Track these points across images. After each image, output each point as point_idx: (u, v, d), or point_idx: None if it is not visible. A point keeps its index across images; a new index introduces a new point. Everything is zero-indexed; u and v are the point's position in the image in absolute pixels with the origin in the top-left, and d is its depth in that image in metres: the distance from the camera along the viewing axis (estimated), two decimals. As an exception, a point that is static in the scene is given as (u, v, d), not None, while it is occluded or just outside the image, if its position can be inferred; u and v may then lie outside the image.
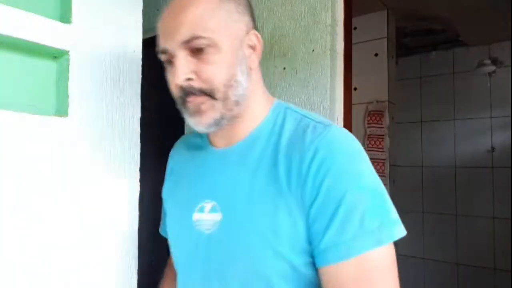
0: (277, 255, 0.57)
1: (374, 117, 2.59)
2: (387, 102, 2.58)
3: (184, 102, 0.62)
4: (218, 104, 0.61)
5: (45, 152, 0.71)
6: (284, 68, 1.57)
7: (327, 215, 0.54)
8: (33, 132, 0.69)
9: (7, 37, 0.66)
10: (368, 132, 2.59)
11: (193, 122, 0.62)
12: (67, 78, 0.75)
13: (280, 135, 0.63)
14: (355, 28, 2.41)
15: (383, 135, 2.56)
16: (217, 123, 0.62)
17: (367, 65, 2.60)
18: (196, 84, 0.60)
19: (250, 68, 0.65)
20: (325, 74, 1.46)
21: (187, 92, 0.60)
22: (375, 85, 2.60)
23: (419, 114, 3.43)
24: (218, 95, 0.60)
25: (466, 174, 3.19)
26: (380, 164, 2.55)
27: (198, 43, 0.58)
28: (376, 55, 2.61)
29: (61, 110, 0.75)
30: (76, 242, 0.74)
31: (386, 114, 2.57)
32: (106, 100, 0.81)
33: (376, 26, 2.60)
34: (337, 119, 1.47)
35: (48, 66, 0.76)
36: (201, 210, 0.65)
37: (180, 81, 0.59)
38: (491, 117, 3.12)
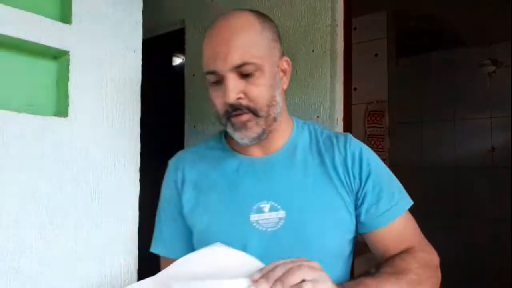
0: (336, 237, 0.73)
1: (374, 117, 2.59)
2: (387, 102, 2.58)
3: (229, 118, 0.70)
4: (261, 121, 0.71)
5: (45, 152, 0.71)
6: (284, 68, 1.57)
7: (376, 192, 0.74)
8: (33, 132, 0.69)
9: (7, 37, 0.66)
10: (368, 132, 2.59)
11: (239, 136, 0.71)
12: (67, 78, 0.75)
13: (316, 142, 0.79)
14: (355, 28, 2.41)
15: (383, 135, 2.56)
16: (259, 137, 0.72)
17: (367, 65, 2.60)
18: (244, 102, 0.69)
19: (282, 90, 0.76)
20: (325, 74, 1.46)
21: (234, 109, 0.68)
22: (375, 85, 2.60)
23: (419, 114, 3.43)
24: (262, 113, 0.70)
25: (466, 174, 3.19)
26: (380, 164, 2.55)
27: (247, 68, 0.67)
28: (376, 55, 2.61)
29: (61, 110, 0.75)
30: (75, 242, 0.74)
31: (386, 114, 2.57)
32: (106, 100, 0.81)
33: (376, 26, 2.60)
34: (337, 119, 1.47)
35: (48, 66, 0.76)
36: (260, 211, 0.72)
37: (231, 100, 0.67)
38: (491, 117, 3.12)
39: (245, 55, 0.67)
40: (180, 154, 0.85)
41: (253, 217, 0.71)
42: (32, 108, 0.73)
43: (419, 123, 3.43)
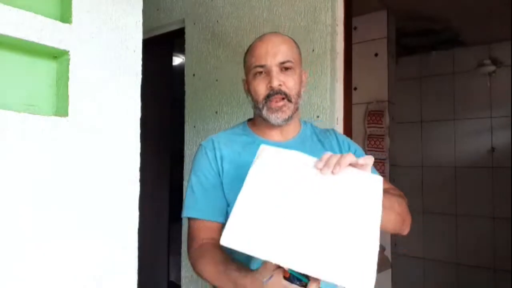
0: None
1: (374, 117, 2.59)
2: (387, 102, 2.58)
3: (267, 101, 0.94)
4: (291, 107, 0.96)
5: (45, 152, 0.71)
6: (284, 68, 1.57)
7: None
8: (33, 132, 0.69)
9: (7, 37, 0.66)
10: (368, 132, 2.59)
11: (275, 117, 0.95)
12: (67, 78, 0.75)
13: (316, 134, 1.07)
14: (355, 28, 2.41)
15: (383, 135, 2.56)
16: (288, 119, 0.96)
17: (367, 65, 2.60)
18: (283, 88, 0.94)
19: (301, 92, 1.01)
20: (325, 74, 1.46)
21: (275, 92, 0.93)
22: (375, 85, 2.60)
23: (419, 114, 3.43)
24: (293, 99, 0.96)
25: (466, 174, 3.19)
26: (380, 164, 2.55)
27: (288, 64, 0.95)
28: (376, 55, 2.61)
29: (61, 110, 0.75)
30: (75, 242, 0.74)
31: (386, 114, 2.57)
32: (106, 100, 0.82)
33: (376, 26, 2.60)
34: (337, 119, 1.47)
35: (48, 66, 0.76)
36: None
37: (275, 84, 0.93)
38: (491, 117, 3.12)
39: (287, 56, 0.95)
40: (213, 137, 1.03)
41: None
42: (32, 108, 0.73)
43: (419, 123, 3.43)
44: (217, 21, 1.80)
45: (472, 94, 3.19)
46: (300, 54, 1.02)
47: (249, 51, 1.01)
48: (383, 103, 2.59)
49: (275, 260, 0.66)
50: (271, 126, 0.99)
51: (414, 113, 3.42)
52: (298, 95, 0.98)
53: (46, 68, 0.73)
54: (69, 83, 0.72)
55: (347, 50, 1.51)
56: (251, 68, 0.97)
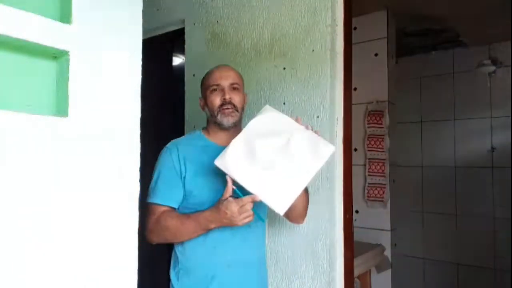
0: None
1: (374, 117, 2.59)
2: (387, 102, 2.58)
3: (221, 109, 1.26)
4: (238, 114, 1.29)
5: (45, 152, 0.71)
6: (284, 68, 1.57)
7: None
8: (33, 132, 0.69)
9: (7, 37, 0.66)
10: (368, 132, 2.59)
11: (226, 120, 1.26)
12: (67, 78, 0.75)
13: None
14: (355, 28, 2.41)
15: (383, 135, 2.56)
16: (236, 123, 1.28)
17: (367, 65, 2.60)
18: (233, 101, 1.27)
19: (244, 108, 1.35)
20: (325, 74, 1.46)
21: (227, 103, 1.25)
22: (375, 85, 2.60)
23: (419, 114, 3.43)
24: (239, 110, 1.29)
25: (466, 174, 3.19)
26: (380, 164, 2.55)
27: (236, 86, 1.29)
28: (376, 55, 2.61)
29: (61, 110, 0.75)
30: (75, 242, 0.74)
31: (386, 114, 2.56)
32: (106, 100, 0.81)
33: (376, 26, 2.60)
34: (337, 119, 1.47)
35: (48, 66, 0.76)
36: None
37: (227, 97, 1.25)
38: (491, 117, 3.12)
39: (235, 79, 1.30)
40: (176, 141, 1.32)
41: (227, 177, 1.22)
42: (31, 108, 0.73)
43: (419, 123, 3.43)
44: (217, 22, 1.80)
45: (472, 94, 3.19)
46: (243, 83, 1.35)
47: (207, 76, 1.33)
48: (383, 103, 2.58)
49: (238, 179, 1.11)
50: (223, 130, 1.29)
51: (414, 113, 3.42)
52: (242, 109, 1.31)
53: (46, 68, 0.73)
54: (69, 83, 0.72)
55: (347, 50, 1.51)
56: (209, 87, 1.29)
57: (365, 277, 2.28)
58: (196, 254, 1.25)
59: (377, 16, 2.59)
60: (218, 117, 1.26)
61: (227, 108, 1.25)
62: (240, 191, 1.13)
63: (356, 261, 1.91)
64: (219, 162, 1.13)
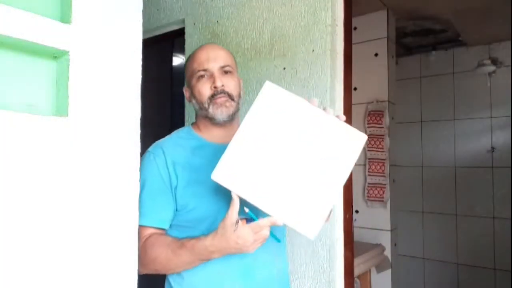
0: None
1: (374, 117, 2.59)
2: (387, 102, 2.58)
3: (212, 99, 1.01)
4: (234, 104, 1.03)
5: (45, 152, 0.71)
6: (284, 68, 1.57)
7: None
8: (33, 132, 0.69)
9: (7, 37, 0.66)
10: (368, 132, 2.59)
11: (219, 112, 1.01)
12: (67, 78, 0.75)
13: None
14: (355, 28, 2.41)
15: (383, 135, 2.56)
16: (232, 115, 1.03)
17: (367, 65, 2.60)
18: (226, 89, 1.02)
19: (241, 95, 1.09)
20: (325, 74, 1.46)
21: (219, 92, 1.00)
22: (375, 85, 2.60)
23: (419, 114, 3.43)
24: (235, 98, 1.04)
25: (466, 174, 3.19)
26: (380, 164, 2.55)
27: (228, 68, 1.04)
28: (376, 55, 2.61)
29: (61, 110, 0.75)
30: (75, 242, 0.74)
31: (386, 114, 2.56)
32: (106, 100, 0.82)
33: (376, 26, 2.60)
34: (337, 119, 1.47)
35: (48, 66, 0.76)
36: None
37: (219, 84, 1.00)
38: (491, 117, 3.12)
39: (226, 61, 1.05)
40: (160, 143, 1.05)
41: None
42: (31, 108, 0.73)
43: (419, 123, 3.43)
44: (217, 21, 1.80)
45: (472, 94, 3.19)
46: (236, 64, 1.11)
47: (190, 59, 1.08)
48: (383, 103, 2.59)
49: (249, 199, 0.80)
50: (216, 125, 1.04)
51: (414, 113, 3.42)
52: (239, 96, 1.05)
53: (46, 68, 0.72)
54: (69, 83, 0.72)
55: (347, 50, 1.51)
56: (194, 73, 1.04)
57: (365, 277, 2.28)
58: (196, 283, 0.98)
59: (377, 16, 2.59)
60: (210, 110, 1.01)
61: (220, 98, 1.00)
62: (250, 209, 0.85)
63: (356, 261, 1.91)
64: (217, 176, 0.82)
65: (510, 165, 2.96)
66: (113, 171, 0.80)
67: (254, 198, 0.80)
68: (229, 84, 1.02)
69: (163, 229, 0.98)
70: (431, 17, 2.67)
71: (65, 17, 0.75)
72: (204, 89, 1.02)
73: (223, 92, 1.01)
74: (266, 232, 0.83)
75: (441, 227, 3.27)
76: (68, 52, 0.73)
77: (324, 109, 0.85)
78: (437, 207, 3.30)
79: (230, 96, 1.02)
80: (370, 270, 2.34)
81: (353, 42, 1.57)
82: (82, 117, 0.74)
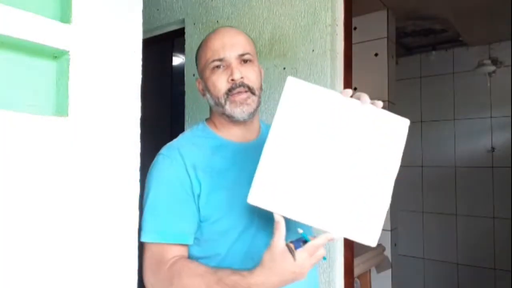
0: None
1: (374, 117, 2.58)
2: (387, 102, 2.58)
3: (229, 95, 0.87)
4: (255, 100, 0.89)
5: (45, 152, 0.71)
6: (284, 68, 1.57)
7: None
8: (33, 132, 0.69)
9: (7, 37, 0.66)
10: (368, 132, 2.59)
11: (239, 111, 0.87)
12: (67, 78, 0.75)
13: None
14: (355, 28, 2.41)
15: (383, 135, 2.56)
16: (253, 113, 0.89)
17: (367, 65, 2.60)
18: (246, 81, 0.87)
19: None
20: (325, 74, 1.46)
21: (237, 85, 0.86)
22: (375, 85, 2.60)
23: (419, 114, 3.43)
24: (256, 92, 0.89)
25: (466, 174, 3.19)
26: (380, 164, 2.54)
27: (247, 57, 0.89)
28: (376, 55, 2.61)
29: (61, 110, 0.75)
30: (74, 243, 0.74)
31: (386, 114, 2.56)
32: (106, 100, 0.81)
33: (376, 26, 2.59)
34: (337, 119, 1.47)
35: (48, 66, 0.76)
36: None
37: (237, 77, 0.86)
38: (491, 117, 3.12)
39: (245, 48, 0.89)
40: (175, 144, 0.90)
41: None
42: (31, 108, 0.73)
43: (419, 123, 3.43)
44: (217, 21, 1.80)
45: (472, 94, 3.19)
46: (256, 50, 0.95)
47: (203, 47, 0.92)
48: (383, 103, 2.58)
49: (297, 217, 0.69)
50: (235, 123, 0.91)
51: (414, 113, 3.42)
52: (261, 88, 0.92)
53: (46, 68, 0.72)
54: (69, 83, 0.72)
55: (347, 50, 1.51)
56: (207, 63, 0.89)
57: (365, 277, 2.28)
58: None
59: (377, 16, 2.59)
60: (227, 107, 0.87)
61: (239, 92, 0.86)
62: (292, 225, 0.73)
63: (356, 261, 1.91)
64: (255, 198, 0.70)
65: (510, 165, 2.96)
66: (113, 171, 0.80)
67: (303, 216, 0.69)
68: (250, 75, 0.88)
69: (187, 245, 0.84)
70: (431, 17, 2.67)
71: (65, 17, 0.75)
72: (220, 82, 0.87)
73: (242, 85, 0.86)
74: (322, 252, 0.72)
75: (441, 227, 3.27)
76: (68, 52, 0.73)
77: (359, 98, 0.73)
78: (437, 207, 3.30)
79: (251, 90, 0.87)
80: (370, 270, 2.34)
81: (353, 42, 1.57)
82: (82, 117, 0.74)
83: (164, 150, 0.89)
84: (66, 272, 0.72)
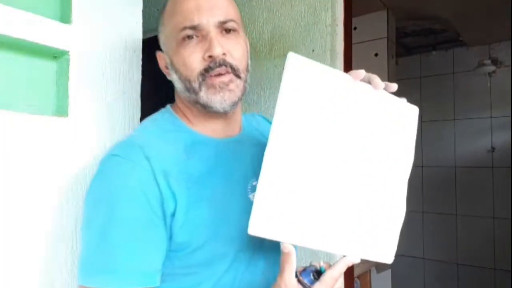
0: None
1: (374, 117, 2.58)
2: (387, 102, 2.58)
3: (205, 77, 0.63)
4: (240, 84, 0.65)
5: (45, 152, 0.71)
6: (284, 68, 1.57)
7: None
8: (33, 132, 0.69)
9: (7, 37, 0.66)
10: (368, 132, 2.58)
11: (219, 99, 0.63)
12: (67, 78, 0.75)
13: (255, 123, 0.83)
14: (355, 28, 2.41)
15: (383, 135, 2.56)
16: (237, 103, 0.66)
17: (367, 65, 2.58)
18: (228, 59, 0.63)
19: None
20: (325, 74, 1.46)
21: (217, 64, 0.62)
22: (375, 85, 2.60)
23: (419, 114, 3.42)
24: (242, 75, 0.65)
25: (466, 174, 3.19)
26: (380, 164, 2.54)
27: (231, 25, 0.64)
28: (376, 55, 2.61)
29: (61, 110, 0.75)
30: (75, 241, 0.74)
31: (386, 114, 2.56)
32: (106, 100, 0.81)
33: (376, 26, 2.59)
34: (337, 119, 1.47)
35: (48, 66, 0.76)
36: (254, 188, 0.56)
37: (218, 52, 0.61)
38: (491, 117, 3.12)
39: (229, 13, 0.65)
40: (137, 142, 0.62)
41: (252, 196, 0.66)
42: (32, 108, 0.73)
43: (419, 123, 3.43)
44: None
45: (472, 94, 3.19)
46: (241, 18, 0.70)
47: (170, 9, 0.68)
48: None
49: (309, 244, 0.56)
50: (212, 115, 0.67)
51: (414, 113, 3.42)
52: (247, 69, 0.67)
53: (46, 68, 0.72)
54: (69, 83, 0.72)
55: (347, 50, 1.51)
56: (176, 31, 0.64)
57: (365, 277, 2.28)
58: None
59: (377, 16, 2.59)
60: (202, 93, 0.63)
61: (219, 74, 0.62)
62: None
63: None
64: (257, 229, 0.53)
65: (510, 165, 2.96)
66: (113, 171, 0.80)
67: (316, 243, 0.56)
68: (234, 50, 0.64)
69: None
70: (431, 17, 2.66)
71: (65, 17, 0.75)
72: (193, 59, 0.62)
73: (223, 64, 0.62)
74: (340, 284, 0.61)
75: (441, 227, 3.27)
76: (68, 52, 0.73)
77: (369, 79, 0.60)
78: (437, 207, 3.30)
79: (235, 71, 0.63)
80: (370, 270, 2.34)
81: (353, 42, 1.57)
82: (82, 117, 0.74)
83: (118, 149, 0.61)
84: (67, 265, 0.72)
